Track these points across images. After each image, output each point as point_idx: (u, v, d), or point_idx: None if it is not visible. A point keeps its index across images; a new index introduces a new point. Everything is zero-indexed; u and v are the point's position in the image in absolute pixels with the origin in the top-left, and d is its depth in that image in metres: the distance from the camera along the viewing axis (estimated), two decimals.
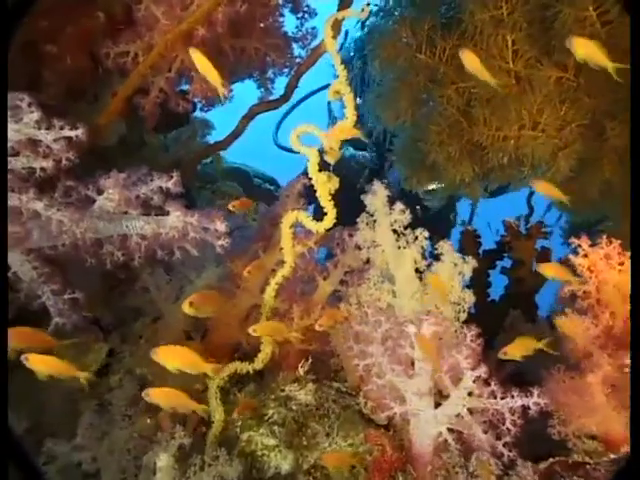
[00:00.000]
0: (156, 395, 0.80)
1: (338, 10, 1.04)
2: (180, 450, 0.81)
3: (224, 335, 1.09)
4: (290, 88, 1.16)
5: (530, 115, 1.05)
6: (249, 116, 1.12)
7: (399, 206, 0.93)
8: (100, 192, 0.82)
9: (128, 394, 0.93)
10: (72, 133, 0.73)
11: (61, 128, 0.73)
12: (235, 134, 1.13)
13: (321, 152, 0.88)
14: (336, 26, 1.05)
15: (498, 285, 1.49)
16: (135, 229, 0.86)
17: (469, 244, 1.48)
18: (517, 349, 0.86)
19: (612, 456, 0.85)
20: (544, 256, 1.43)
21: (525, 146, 1.07)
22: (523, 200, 1.73)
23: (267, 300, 0.98)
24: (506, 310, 1.38)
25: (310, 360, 1.01)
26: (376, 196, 0.93)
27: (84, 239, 0.83)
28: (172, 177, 0.84)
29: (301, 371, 1.00)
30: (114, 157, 1.00)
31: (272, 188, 2.26)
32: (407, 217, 0.92)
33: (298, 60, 1.17)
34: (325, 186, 0.86)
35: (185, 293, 1.07)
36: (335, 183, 0.87)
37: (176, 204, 0.87)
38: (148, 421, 0.90)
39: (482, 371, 0.79)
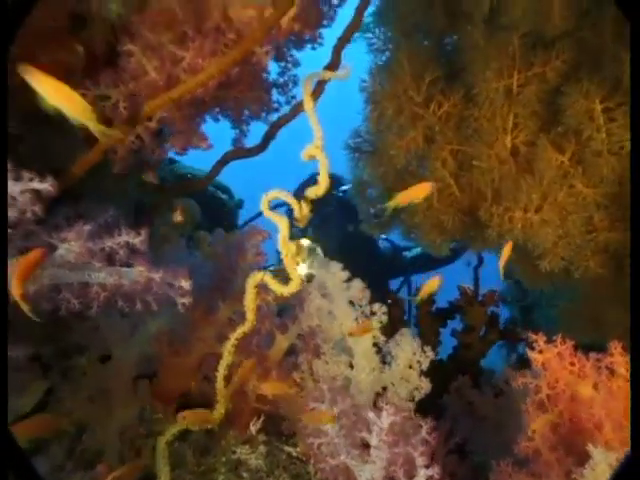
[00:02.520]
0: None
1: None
2: None
3: (174, 380, 1.05)
4: (267, 138, 1.13)
5: (535, 198, 1.06)
6: (223, 162, 1.08)
7: (357, 283, 0.92)
8: (63, 240, 0.77)
9: (64, 444, 0.89)
10: (41, 186, 0.68)
11: (30, 180, 0.67)
12: (209, 178, 1.09)
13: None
14: (319, 88, 1.04)
15: (447, 344, 1.51)
16: (97, 279, 0.82)
17: (424, 302, 1.50)
18: None
19: None
20: (493, 321, 1.47)
21: (531, 230, 1.08)
22: None
23: (225, 356, 0.96)
24: (453, 371, 1.41)
25: (263, 419, 1.00)
26: (333, 275, 0.93)
27: (41, 285, 0.78)
28: (140, 234, 0.80)
29: (253, 430, 0.98)
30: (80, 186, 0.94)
31: (225, 197, 2.21)
32: (366, 295, 0.92)
33: (276, 105, 1.15)
34: (293, 257, 0.84)
35: (138, 334, 1.03)
36: (304, 255, 0.86)
37: (141, 259, 0.83)
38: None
39: (435, 471, 0.80)
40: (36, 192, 0.69)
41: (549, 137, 1.05)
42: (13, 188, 0.67)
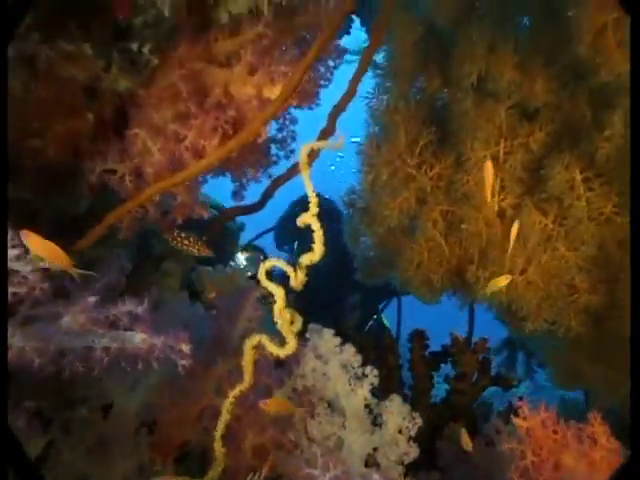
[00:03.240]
0: None
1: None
2: None
3: (174, 431, 1.09)
4: (265, 197, 1.18)
5: (520, 261, 1.10)
6: (223, 219, 1.14)
7: (349, 348, 0.97)
8: (68, 311, 0.82)
9: None
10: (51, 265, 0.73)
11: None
12: (211, 236, 1.14)
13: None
14: (313, 154, 1.09)
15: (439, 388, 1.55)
16: (100, 344, 0.86)
17: (418, 345, 1.54)
18: None
19: None
20: (485, 368, 1.51)
21: (515, 293, 1.12)
22: None
23: (224, 415, 0.99)
24: (445, 416, 1.44)
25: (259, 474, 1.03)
26: (325, 341, 0.97)
27: (46, 350, 0.83)
28: (142, 302, 0.85)
29: None
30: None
31: (216, 213, 2.27)
32: (358, 359, 0.96)
33: (275, 159, 1.19)
34: (289, 324, 0.88)
35: (141, 384, 1.07)
36: (299, 324, 0.90)
37: (143, 325, 0.87)
38: None
39: None
40: (45, 270, 0.74)
41: (533, 201, 1.10)
42: (24, 268, 0.72)
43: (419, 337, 1.52)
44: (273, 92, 0.93)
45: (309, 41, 1.18)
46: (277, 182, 1.17)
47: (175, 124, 0.87)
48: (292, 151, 1.22)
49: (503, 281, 1.09)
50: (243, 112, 0.91)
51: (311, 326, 0.99)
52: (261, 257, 2.41)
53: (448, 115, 1.19)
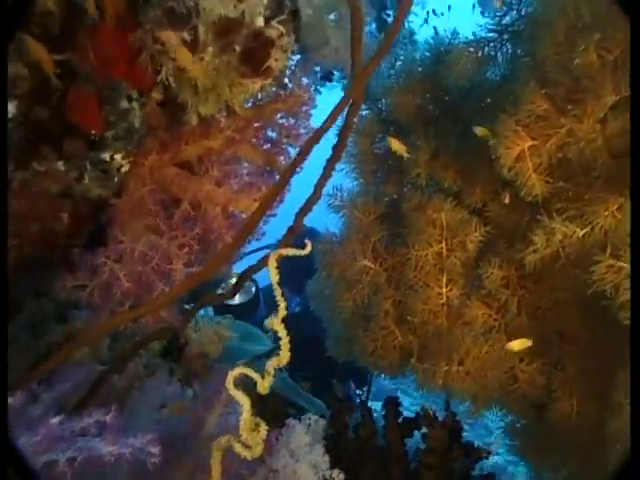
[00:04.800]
0: None
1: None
2: None
3: None
4: (237, 285, 1.24)
5: (459, 354, 1.19)
6: (198, 308, 1.19)
7: (319, 449, 1.02)
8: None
9: None
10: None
11: None
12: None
13: None
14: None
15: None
16: (65, 456, 0.89)
17: (391, 411, 1.59)
18: None
19: None
20: (455, 439, 1.56)
21: (452, 383, 1.20)
22: None
23: None
24: None
25: None
26: (298, 436, 1.03)
27: None
28: (110, 410, 0.89)
29: None
30: None
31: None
32: (326, 460, 1.01)
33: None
34: (254, 432, 0.93)
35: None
36: (264, 433, 0.95)
37: (112, 433, 0.90)
38: None
39: None
40: None
41: (477, 293, 1.21)
42: None
43: (392, 404, 1.57)
44: (239, 205, 1.02)
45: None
46: (248, 272, 1.22)
47: (143, 245, 0.93)
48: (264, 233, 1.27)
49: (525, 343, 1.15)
50: (210, 228, 0.99)
51: (288, 421, 1.04)
52: (253, 288, 2.42)
53: (400, 212, 1.31)
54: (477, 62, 1.25)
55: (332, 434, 1.33)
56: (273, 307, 0.94)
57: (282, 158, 1.33)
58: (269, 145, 1.34)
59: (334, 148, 0.99)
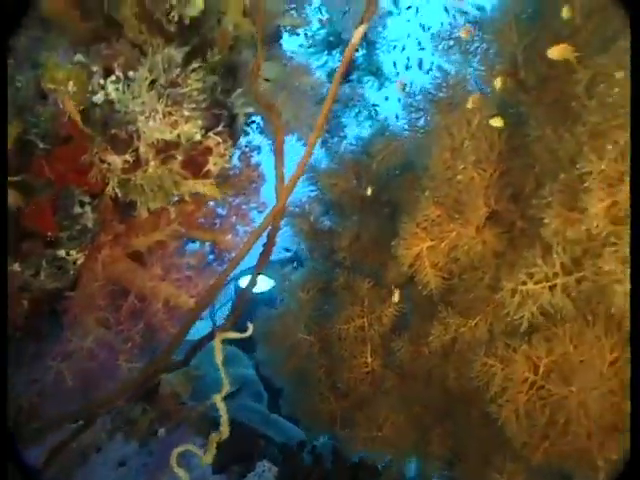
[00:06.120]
0: None
1: None
2: None
3: None
4: (187, 358, 1.37)
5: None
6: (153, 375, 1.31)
7: None
8: None
9: None
10: None
11: None
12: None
13: None
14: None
15: None
16: None
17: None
18: None
19: None
20: None
21: (371, 448, 1.36)
22: None
23: None
24: None
25: None
26: None
27: None
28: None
29: None
30: None
31: None
32: None
33: None
34: None
35: None
36: None
37: None
38: None
39: None
40: None
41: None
42: None
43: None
44: (179, 301, 1.16)
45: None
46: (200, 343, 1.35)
47: (92, 341, 1.07)
48: None
49: None
50: (152, 322, 1.13)
51: None
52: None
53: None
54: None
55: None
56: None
57: (229, 237, 1.49)
58: (218, 222, 1.49)
59: (260, 255, 1.15)
